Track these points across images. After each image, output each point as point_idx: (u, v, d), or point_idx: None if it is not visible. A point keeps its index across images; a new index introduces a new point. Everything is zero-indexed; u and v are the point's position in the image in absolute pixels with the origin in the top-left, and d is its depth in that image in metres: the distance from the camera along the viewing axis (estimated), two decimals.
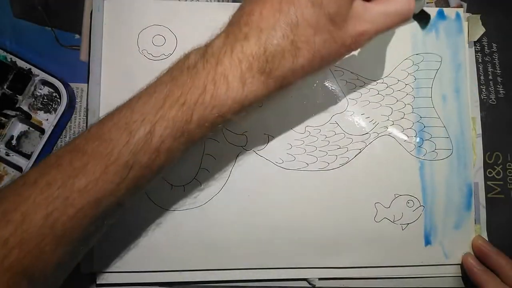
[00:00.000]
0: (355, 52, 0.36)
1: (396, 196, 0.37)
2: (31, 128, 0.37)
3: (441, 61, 0.39)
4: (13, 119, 0.36)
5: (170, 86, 0.24)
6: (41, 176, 0.23)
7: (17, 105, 0.36)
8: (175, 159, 0.25)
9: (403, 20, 0.28)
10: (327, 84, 0.38)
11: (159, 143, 0.24)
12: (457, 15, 0.40)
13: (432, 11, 0.40)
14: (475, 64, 0.40)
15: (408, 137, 0.38)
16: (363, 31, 0.26)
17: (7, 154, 0.35)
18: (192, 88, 0.24)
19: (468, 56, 0.39)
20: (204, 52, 0.25)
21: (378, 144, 0.37)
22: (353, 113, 0.38)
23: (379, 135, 0.38)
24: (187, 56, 0.25)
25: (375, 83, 0.38)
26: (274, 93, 0.26)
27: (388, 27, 0.28)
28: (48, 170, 0.24)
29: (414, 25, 0.39)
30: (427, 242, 0.37)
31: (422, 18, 0.38)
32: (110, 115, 0.25)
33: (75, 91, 0.38)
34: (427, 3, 0.40)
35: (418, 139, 0.38)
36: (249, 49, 0.24)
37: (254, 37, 0.24)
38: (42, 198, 0.23)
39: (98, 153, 0.23)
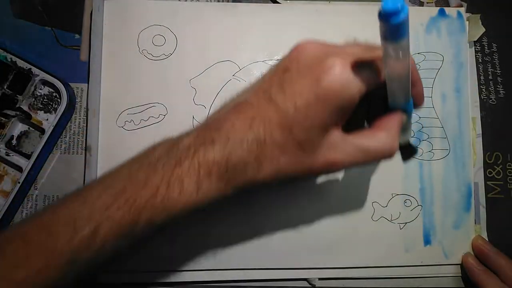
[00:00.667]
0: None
1: (393, 195, 0.37)
2: (31, 128, 0.37)
3: (443, 60, 0.39)
4: (13, 119, 0.36)
5: (124, 182, 0.24)
6: None
7: (17, 105, 0.36)
8: (121, 253, 0.25)
9: (382, 159, 0.27)
10: None
11: (102, 243, 0.23)
12: (459, 14, 0.39)
13: (432, 10, 0.40)
14: (475, 64, 0.40)
15: None
16: (334, 162, 0.25)
17: (7, 154, 0.35)
18: (145, 188, 0.24)
19: (468, 55, 0.39)
20: (170, 148, 0.25)
21: None
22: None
23: None
24: (154, 148, 0.25)
25: None
26: (234, 196, 0.25)
27: (365, 163, 0.26)
28: None
29: (415, 24, 0.39)
30: (427, 242, 0.37)
31: (407, 151, 0.36)
32: (65, 203, 0.25)
33: (75, 91, 0.38)
34: (427, 3, 0.40)
35: (415, 140, 0.38)
36: (212, 155, 0.24)
37: (220, 145, 0.24)
38: None
39: (42, 246, 0.23)
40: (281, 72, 0.25)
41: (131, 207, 0.23)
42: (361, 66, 0.24)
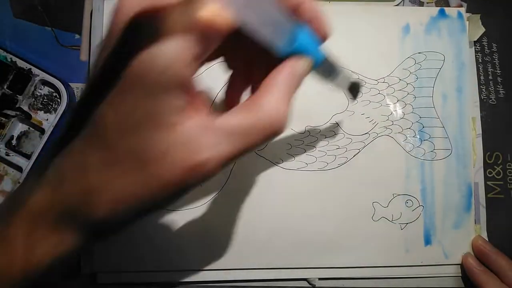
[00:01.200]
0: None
1: (395, 195, 0.37)
2: (31, 128, 0.37)
3: (444, 60, 0.39)
4: (13, 119, 0.36)
5: None
6: None
7: (17, 105, 0.36)
8: None
9: (271, 135, 0.19)
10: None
11: None
12: (459, 14, 0.39)
13: (433, 10, 0.39)
14: (475, 64, 0.40)
15: (407, 137, 0.38)
16: (198, 163, 0.18)
17: (7, 154, 0.35)
18: None
19: (468, 55, 0.39)
20: (9, 197, 0.21)
21: (377, 144, 0.37)
22: (353, 113, 0.38)
23: (378, 135, 0.38)
24: (6, 197, 0.21)
25: (376, 82, 0.38)
26: (89, 244, 0.20)
27: (248, 149, 0.19)
28: None
29: (415, 24, 0.39)
30: (427, 242, 0.37)
31: (352, 89, 0.28)
32: None
33: (75, 91, 0.38)
34: (427, 3, 0.40)
35: (417, 139, 0.38)
36: (37, 201, 0.19)
37: (45, 185, 0.19)
38: None
39: None
40: None
41: None
42: (164, 16, 0.17)
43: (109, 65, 0.17)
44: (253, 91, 0.22)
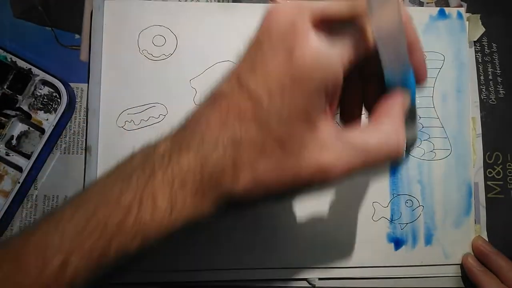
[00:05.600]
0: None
1: (394, 195, 0.37)
2: (31, 128, 0.37)
3: (444, 60, 0.39)
4: (13, 119, 0.36)
5: (96, 201, 0.21)
6: None
7: (17, 105, 0.36)
8: (96, 284, 0.22)
9: (387, 160, 0.21)
10: None
11: (73, 275, 0.20)
12: (459, 14, 0.39)
13: (432, 10, 0.39)
14: (475, 64, 0.40)
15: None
16: (327, 166, 0.20)
17: (7, 154, 0.35)
18: (116, 208, 0.20)
19: (468, 56, 0.39)
20: (146, 157, 0.21)
21: None
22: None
23: None
24: (132, 157, 0.22)
25: None
26: (215, 216, 0.21)
27: (366, 167, 0.21)
28: None
29: (415, 23, 0.39)
30: (427, 242, 0.37)
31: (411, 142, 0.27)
32: (40, 225, 0.22)
33: (75, 91, 0.38)
34: (427, 3, 0.40)
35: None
36: (186, 162, 0.20)
37: (194, 149, 0.20)
38: None
39: (10, 279, 0.20)
40: (253, 48, 0.21)
41: (102, 233, 0.20)
42: (338, 27, 0.19)
43: None
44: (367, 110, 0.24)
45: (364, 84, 0.24)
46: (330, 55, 0.19)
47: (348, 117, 0.23)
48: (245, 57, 0.21)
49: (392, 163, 0.21)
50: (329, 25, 0.19)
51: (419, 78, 0.23)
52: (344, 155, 0.20)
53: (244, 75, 0.20)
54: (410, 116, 0.23)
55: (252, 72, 0.20)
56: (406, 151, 0.28)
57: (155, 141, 0.22)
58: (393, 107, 0.22)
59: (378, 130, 0.21)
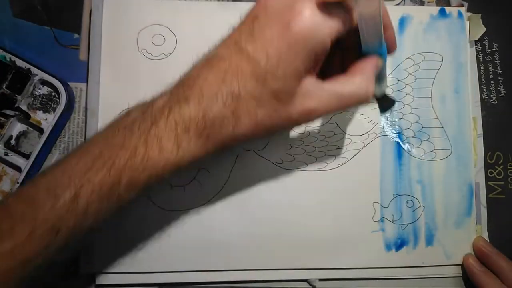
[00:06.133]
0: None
1: (395, 196, 0.37)
2: (30, 128, 0.36)
3: (442, 61, 0.39)
4: (12, 119, 0.36)
5: (101, 146, 0.24)
6: None
7: (16, 105, 0.36)
8: (106, 218, 0.25)
9: (358, 104, 0.27)
10: None
11: (85, 207, 0.23)
12: (459, 13, 0.39)
13: (433, 10, 0.39)
14: (476, 64, 0.40)
15: (406, 137, 0.38)
16: (311, 109, 0.25)
17: (6, 154, 0.35)
18: (122, 150, 0.23)
19: (469, 55, 0.39)
20: (144, 110, 0.24)
21: (376, 144, 0.37)
22: (353, 113, 0.37)
23: (378, 135, 0.38)
24: (128, 113, 0.25)
25: None
26: (216, 154, 0.25)
27: (341, 109, 0.26)
28: None
29: (416, 22, 0.39)
30: (429, 242, 0.37)
31: (384, 102, 0.35)
32: (45, 174, 0.24)
33: (74, 91, 0.37)
34: (428, 2, 0.40)
35: (416, 140, 0.38)
36: (187, 112, 0.23)
37: (194, 101, 0.24)
38: None
39: (25, 216, 0.23)
40: (250, 21, 0.24)
41: (110, 169, 0.23)
42: (331, 7, 0.23)
43: None
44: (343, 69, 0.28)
45: (343, 52, 0.28)
46: (322, 28, 0.23)
47: (329, 74, 0.27)
48: (241, 28, 0.25)
49: (361, 105, 0.28)
50: (325, 5, 0.23)
51: (390, 49, 0.28)
52: (324, 100, 0.25)
53: (242, 42, 0.24)
54: (380, 77, 0.30)
55: (251, 39, 0.24)
56: (382, 110, 0.36)
57: (150, 98, 0.25)
58: (366, 66, 0.27)
59: (352, 81, 0.26)
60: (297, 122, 0.26)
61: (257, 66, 0.23)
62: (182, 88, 0.24)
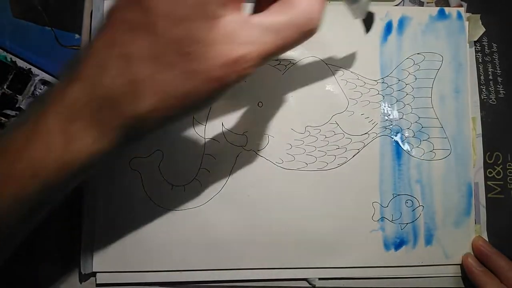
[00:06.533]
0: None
1: (394, 195, 0.37)
2: None
3: (442, 61, 0.39)
4: (13, 119, 0.36)
5: None
6: None
7: (17, 105, 0.36)
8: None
9: (304, 36, 0.20)
10: (327, 84, 0.38)
11: None
12: (458, 14, 0.39)
13: (432, 10, 0.39)
14: (475, 64, 0.40)
15: (406, 137, 0.38)
16: (239, 57, 0.18)
17: None
18: (5, 155, 0.19)
19: (468, 56, 0.39)
20: (42, 98, 0.21)
21: (376, 144, 0.37)
22: (353, 113, 0.38)
23: (378, 135, 0.38)
24: (31, 104, 0.22)
25: (375, 83, 0.38)
26: (128, 143, 0.20)
27: (282, 48, 0.19)
28: None
29: (415, 23, 0.39)
30: (428, 242, 0.37)
31: (368, 20, 0.31)
32: None
33: None
34: (427, 3, 0.40)
35: (416, 139, 0.38)
36: (74, 94, 0.18)
37: (83, 79, 0.19)
38: None
39: None
40: None
41: None
42: None
43: None
44: None
45: None
46: None
47: (261, 8, 0.21)
48: None
49: (308, 36, 0.20)
50: None
51: None
52: (255, 41, 0.19)
53: None
54: None
55: None
56: (368, 29, 0.31)
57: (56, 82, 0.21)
58: None
59: (291, 5, 0.19)
60: (225, 82, 0.19)
61: (149, 12, 0.18)
62: (76, 65, 0.19)
